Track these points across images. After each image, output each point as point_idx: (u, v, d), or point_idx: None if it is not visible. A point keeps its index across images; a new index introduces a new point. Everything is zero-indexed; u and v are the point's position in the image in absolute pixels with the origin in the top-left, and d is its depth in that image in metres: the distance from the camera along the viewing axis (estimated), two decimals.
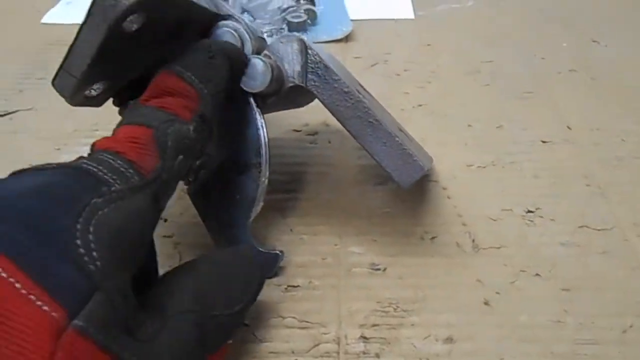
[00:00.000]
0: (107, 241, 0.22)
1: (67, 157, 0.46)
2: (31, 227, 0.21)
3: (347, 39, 0.62)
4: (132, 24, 0.29)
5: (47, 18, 0.67)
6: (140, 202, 0.24)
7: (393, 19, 0.67)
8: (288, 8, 0.65)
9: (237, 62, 0.33)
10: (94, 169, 0.24)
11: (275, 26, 0.63)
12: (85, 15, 0.28)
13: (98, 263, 0.21)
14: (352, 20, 0.65)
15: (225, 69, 0.31)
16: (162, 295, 0.26)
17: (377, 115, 0.34)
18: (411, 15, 0.67)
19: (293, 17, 0.63)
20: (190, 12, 0.32)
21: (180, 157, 0.27)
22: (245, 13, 0.67)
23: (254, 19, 0.66)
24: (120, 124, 0.29)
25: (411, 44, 0.62)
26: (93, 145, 0.27)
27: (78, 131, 0.49)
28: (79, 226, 0.21)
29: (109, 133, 0.48)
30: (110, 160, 0.25)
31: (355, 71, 0.51)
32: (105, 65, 0.30)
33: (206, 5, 0.33)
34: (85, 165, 0.24)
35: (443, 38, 0.62)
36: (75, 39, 0.29)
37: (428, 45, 0.61)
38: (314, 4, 0.66)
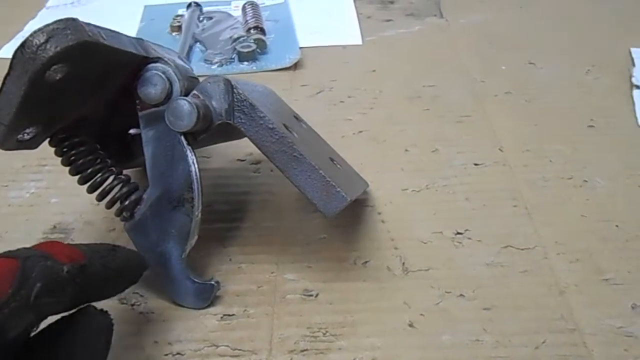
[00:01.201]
0: None
1: (15, 193, 0.47)
2: None
3: (295, 66, 0.64)
4: (56, 73, 0.30)
5: (3, 53, 0.68)
6: None
7: (342, 45, 0.69)
8: (238, 38, 0.67)
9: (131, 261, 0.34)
10: None
11: (226, 56, 0.65)
12: (8, 67, 0.29)
13: None
14: (302, 47, 0.67)
15: (119, 260, 0.32)
16: None
17: (302, 150, 0.36)
18: (359, 41, 0.70)
19: (242, 47, 0.65)
20: (117, 58, 0.33)
21: (43, 291, 0.25)
22: (198, 43, 0.69)
23: (206, 49, 0.67)
24: None
25: (357, 70, 0.64)
26: None
27: (26, 167, 0.50)
28: None
29: (55, 167, 0.50)
30: None
31: (300, 99, 0.53)
32: (34, 112, 0.32)
33: (133, 50, 0.34)
34: None
35: (388, 63, 0.65)
36: (0, 88, 0.30)
37: (373, 71, 0.63)
38: (264, 33, 0.68)
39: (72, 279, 0.27)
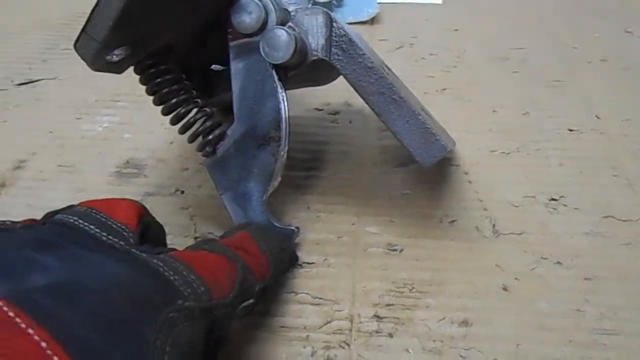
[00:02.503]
0: None
1: (88, 126, 0.46)
2: (104, 326, 0.20)
3: (372, 21, 0.61)
4: None
5: None
6: (204, 325, 0.24)
7: (421, 3, 0.66)
8: None
9: (292, 259, 0.35)
10: (171, 277, 0.23)
11: (301, 5, 0.62)
12: None
13: None
14: (379, 2, 0.64)
15: (285, 262, 0.33)
16: None
17: (401, 93, 0.33)
18: (439, 0, 0.66)
19: None
20: None
21: (245, 303, 0.27)
22: None
23: None
24: (196, 248, 0.29)
25: (438, 28, 0.60)
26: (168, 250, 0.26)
27: (99, 101, 0.49)
28: (158, 343, 0.20)
29: (130, 104, 0.48)
30: (184, 272, 0.24)
31: (380, 53, 0.50)
32: (127, 30, 0.30)
33: None
34: (161, 270, 0.24)
35: (471, 23, 0.61)
36: (98, 1, 0.28)
37: (455, 30, 0.60)
38: None
39: (257, 298, 0.28)
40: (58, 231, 0.24)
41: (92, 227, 0.25)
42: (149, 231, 0.28)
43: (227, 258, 0.27)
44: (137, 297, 0.22)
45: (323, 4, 0.62)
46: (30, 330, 0.18)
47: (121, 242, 0.25)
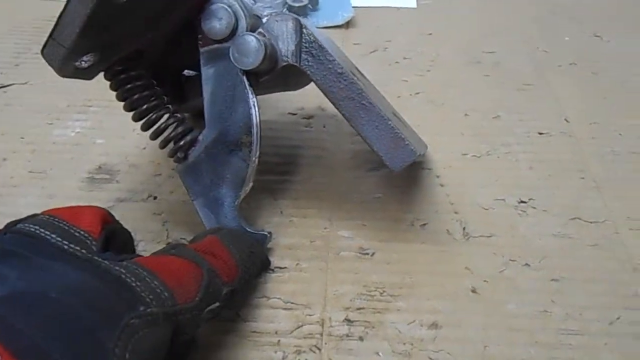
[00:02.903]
0: None
1: (59, 131, 0.46)
2: (62, 335, 0.20)
3: (347, 25, 0.62)
4: None
5: None
6: (167, 330, 0.24)
7: (395, 7, 0.66)
8: None
9: (263, 263, 0.35)
10: (133, 284, 0.23)
11: (276, 10, 0.63)
12: None
13: None
14: (354, 7, 0.65)
15: (256, 266, 0.33)
16: None
17: (371, 98, 0.33)
18: (413, 4, 0.67)
19: (294, 1, 0.62)
20: None
21: (212, 306, 0.27)
22: None
23: (255, 1, 0.65)
24: (162, 253, 0.29)
25: (412, 32, 0.61)
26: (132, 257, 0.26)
27: (71, 106, 0.49)
28: (117, 350, 0.21)
29: (101, 109, 0.48)
30: (147, 279, 0.24)
31: (353, 57, 0.50)
32: (95, 36, 0.30)
33: None
34: (123, 277, 0.24)
35: (445, 27, 0.62)
36: (65, 7, 0.28)
37: (429, 34, 0.61)
38: None
39: (224, 301, 0.28)
40: (19, 241, 0.24)
41: (53, 235, 0.25)
42: (115, 238, 0.28)
43: (193, 262, 0.28)
44: (97, 304, 0.22)
45: (298, 8, 0.62)
46: None
47: (83, 250, 0.25)
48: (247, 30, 0.34)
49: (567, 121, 0.48)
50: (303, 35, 0.34)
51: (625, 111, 0.49)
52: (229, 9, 0.34)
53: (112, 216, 0.29)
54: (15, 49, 0.56)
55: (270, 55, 0.34)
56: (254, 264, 0.32)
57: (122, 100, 0.35)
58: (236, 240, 0.32)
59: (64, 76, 0.32)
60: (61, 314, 0.20)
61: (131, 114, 0.35)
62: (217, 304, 0.27)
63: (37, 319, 0.20)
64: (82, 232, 0.26)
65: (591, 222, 0.39)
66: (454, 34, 0.61)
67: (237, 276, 0.30)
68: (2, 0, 0.66)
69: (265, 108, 0.48)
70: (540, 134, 0.46)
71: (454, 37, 0.60)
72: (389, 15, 0.65)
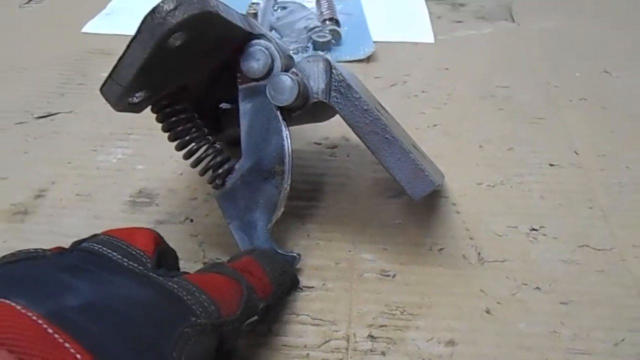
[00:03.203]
0: None
1: (103, 157, 0.49)
2: (128, 340, 0.23)
3: (368, 59, 0.66)
4: (176, 40, 0.32)
5: (87, 28, 0.71)
6: (214, 339, 0.27)
7: (414, 42, 0.70)
8: (314, 28, 0.68)
9: (293, 282, 0.38)
10: (184, 297, 0.27)
11: (301, 44, 0.67)
12: (136, 31, 0.31)
13: None
14: (374, 41, 0.68)
15: (287, 284, 0.37)
16: None
17: (394, 132, 0.37)
18: (431, 40, 0.70)
19: (318, 36, 0.66)
20: (227, 30, 0.35)
21: (250, 320, 0.30)
22: (273, 31, 0.71)
23: (281, 36, 0.69)
24: (205, 271, 0.32)
25: (430, 67, 0.65)
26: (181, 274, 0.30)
27: (113, 134, 0.52)
28: (174, 354, 0.24)
29: (142, 137, 0.52)
30: (196, 293, 0.27)
31: (374, 90, 0.54)
32: (148, 76, 0.34)
33: (241, 25, 0.36)
34: (175, 291, 0.27)
35: (461, 62, 0.65)
36: (125, 51, 0.32)
37: (446, 69, 0.64)
38: (338, 25, 0.70)
39: (260, 315, 0.31)
40: (85, 258, 0.28)
41: (114, 253, 0.28)
42: (164, 257, 0.31)
43: (233, 279, 0.31)
44: (155, 315, 0.25)
45: (322, 43, 0.66)
46: (67, 345, 0.21)
47: (140, 267, 0.28)
48: (281, 70, 0.38)
49: (576, 153, 0.51)
50: (332, 75, 0.38)
51: (632, 144, 0.52)
52: (266, 51, 0.37)
53: (162, 237, 0.32)
54: (59, 79, 0.61)
55: (303, 92, 0.37)
56: (285, 282, 0.36)
57: (167, 131, 0.38)
58: (269, 261, 0.35)
59: (118, 110, 0.36)
60: (126, 323, 0.24)
61: (174, 143, 0.39)
62: (255, 317, 0.31)
63: (107, 326, 0.23)
64: (138, 251, 0.29)
65: (598, 250, 0.41)
66: (469, 68, 0.64)
67: (271, 292, 0.33)
68: (43, 33, 0.71)
69: (294, 138, 0.51)
70: (551, 165, 0.49)
71: (469, 72, 0.63)
72: (408, 50, 0.68)
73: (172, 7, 0.30)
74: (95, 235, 0.30)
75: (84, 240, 0.29)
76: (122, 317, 0.24)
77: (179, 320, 0.25)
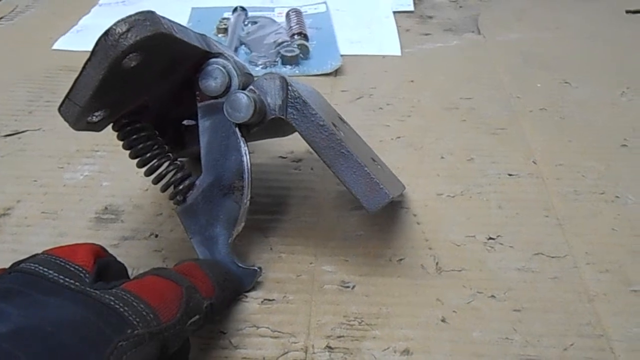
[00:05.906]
0: None
1: (69, 174, 0.50)
2: None
3: (336, 73, 0.67)
4: (131, 61, 0.33)
5: (58, 45, 0.71)
6: (153, 347, 0.27)
7: (382, 55, 0.71)
8: (282, 42, 0.69)
9: (237, 287, 0.39)
10: (121, 309, 0.27)
11: (270, 59, 0.68)
12: (90, 53, 0.32)
13: None
14: (342, 55, 0.70)
15: (230, 289, 0.38)
16: None
17: (349, 147, 0.38)
18: (398, 52, 0.72)
19: (286, 51, 0.67)
20: (184, 50, 0.36)
21: (193, 319, 0.31)
22: (243, 45, 0.72)
23: (251, 51, 0.70)
24: (146, 273, 0.33)
25: (396, 79, 0.66)
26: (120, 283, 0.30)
27: (80, 151, 0.53)
28: None
29: (107, 154, 0.53)
30: (134, 303, 0.28)
31: (341, 104, 0.55)
32: (105, 96, 0.34)
33: (198, 44, 0.37)
34: (112, 304, 0.27)
35: (426, 75, 0.67)
36: (80, 72, 0.33)
37: (411, 81, 0.65)
38: (307, 39, 0.71)
39: (205, 313, 0.32)
40: (21, 279, 0.28)
41: (51, 272, 0.28)
42: (108, 269, 0.32)
43: (174, 281, 0.31)
44: (86, 333, 0.25)
45: (290, 58, 0.67)
46: None
47: (77, 283, 0.28)
48: (239, 88, 0.39)
49: (535, 163, 0.52)
50: (289, 91, 0.38)
51: (587, 153, 0.53)
52: (223, 70, 0.38)
53: (106, 250, 0.33)
54: (28, 97, 0.61)
55: (260, 109, 0.38)
56: (228, 287, 0.36)
57: (128, 149, 0.39)
58: (211, 267, 0.36)
59: (77, 129, 0.36)
60: (56, 347, 0.24)
61: (135, 160, 0.39)
62: (198, 316, 0.31)
63: (36, 351, 0.23)
64: (76, 267, 0.29)
65: (552, 257, 0.42)
66: (434, 81, 0.65)
67: (215, 293, 0.34)
68: (13, 50, 0.71)
69: (258, 152, 0.53)
70: (510, 175, 0.51)
71: (434, 84, 0.65)
72: (375, 63, 0.70)
73: (124, 29, 0.31)
74: (34, 255, 0.30)
75: (22, 261, 0.30)
76: (52, 340, 0.24)
77: (114, 335, 0.26)
